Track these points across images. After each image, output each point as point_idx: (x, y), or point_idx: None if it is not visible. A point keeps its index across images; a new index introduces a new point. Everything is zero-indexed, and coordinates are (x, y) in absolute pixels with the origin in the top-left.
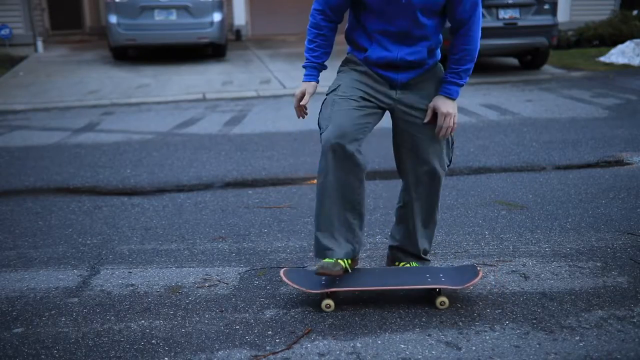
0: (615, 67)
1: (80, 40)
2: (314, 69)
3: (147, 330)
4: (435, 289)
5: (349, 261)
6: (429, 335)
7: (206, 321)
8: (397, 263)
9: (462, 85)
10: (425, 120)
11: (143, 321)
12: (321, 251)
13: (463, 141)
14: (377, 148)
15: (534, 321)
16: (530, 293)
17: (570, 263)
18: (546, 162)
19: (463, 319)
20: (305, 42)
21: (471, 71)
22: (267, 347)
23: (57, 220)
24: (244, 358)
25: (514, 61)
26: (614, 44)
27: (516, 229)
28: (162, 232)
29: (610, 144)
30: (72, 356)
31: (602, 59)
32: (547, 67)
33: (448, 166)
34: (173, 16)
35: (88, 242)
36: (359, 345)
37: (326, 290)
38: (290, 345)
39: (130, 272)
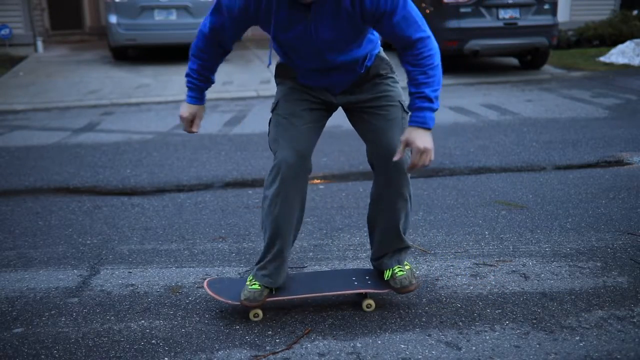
0: (615, 67)
1: (80, 40)
2: (200, 91)
3: (147, 330)
4: (362, 292)
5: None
6: (429, 335)
7: (206, 321)
8: (385, 271)
9: (436, 109)
10: (396, 158)
11: (143, 321)
12: (261, 277)
13: (463, 141)
14: None
15: (534, 321)
16: (530, 293)
17: (570, 263)
18: (546, 162)
19: (463, 319)
20: (189, 62)
21: (439, 81)
22: (267, 347)
23: (57, 220)
24: (244, 358)
25: (514, 61)
26: (614, 44)
27: (516, 229)
28: (162, 232)
29: (610, 144)
30: (72, 356)
31: (602, 59)
32: (547, 67)
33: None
34: (173, 16)
35: (88, 242)
36: (359, 345)
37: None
38: (290, 345)
39: (130, 272)
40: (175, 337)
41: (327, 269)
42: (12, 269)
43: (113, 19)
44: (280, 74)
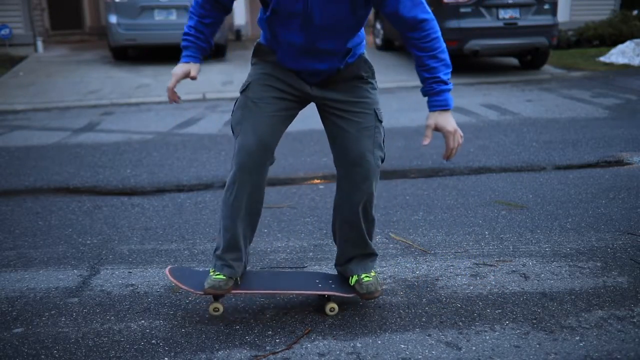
0: (615, 67)
1: (80, 40)
2: (197, 50)
3: (147, 330)
4: (324, 295)
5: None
6: (429, 335)
7: (206, 321)
8: (350, 277)
9: (450, 89)
10: (425, 143)
11: (143, 321)
12: (220, 266)
13: (463, 141)
14: None
15: (534, 321)
16: (530, 293)
17: (570, 263)
18: (546, 162)
19: (463, 319)
20: (189, 19)
21: (449, 64)
22: (267, 347)
23: (57, 220)
24: (244, 358)
25: (514, 61)
26: (614, 44)
27: (516, 229)
28: (162, 232)
29: (610, 144)
30: (72, 356)
31: (602, 59)
32: (547, 67)
33: (382, 161)
34: (173, 16)
35: (88, 242)
36: (359, 345)
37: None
38: (290, 345)
39: (130, 272)
40: (175, 337)
41: (327, 269)
42: (12, 269)
43: (113, 19)
44: (258, 54)
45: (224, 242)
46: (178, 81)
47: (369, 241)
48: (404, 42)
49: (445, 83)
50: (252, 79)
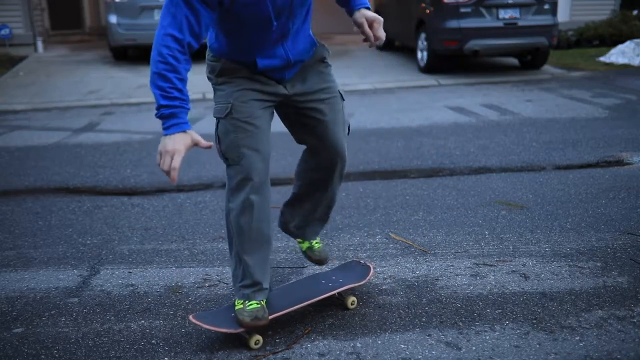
0: (615, 67)
1: (80, 40)
2: (186, 113)
3: (147, 330)
4: (336, 294)
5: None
6: (429, 335)
7: None
8: (304, 242)
9: None
10: (369, 41)
11: (143, 321)
12: (251, 294)
13: (463, 141)
14: (377, 148)
15: (534, 321)
16: (530, 293)
17: (570, 263)
18: (546, 162)
19: (463, 319)
20: (157, 79)
21: None
22: (267, 347)
23: (57, 220)
24: (244, 358)
25: (514, 61)
26: (614, 44)
27: (516, 229)
28: (162, 232)
29: (610, 144)
30: (72, 356)
31: (602, 59)
32: (547, 67)
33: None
34: None
35: (88, 242)
36: (359, 345)
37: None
38: (290, 345)
39: (130, 272)
40: (175, 337)
41: (327, 269)
42: (12, 269)
43: (113, 19)
44: (226, 74)
45: (250, 273)
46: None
47: (331, 209)
48: None
49: None
50: (231, 100)
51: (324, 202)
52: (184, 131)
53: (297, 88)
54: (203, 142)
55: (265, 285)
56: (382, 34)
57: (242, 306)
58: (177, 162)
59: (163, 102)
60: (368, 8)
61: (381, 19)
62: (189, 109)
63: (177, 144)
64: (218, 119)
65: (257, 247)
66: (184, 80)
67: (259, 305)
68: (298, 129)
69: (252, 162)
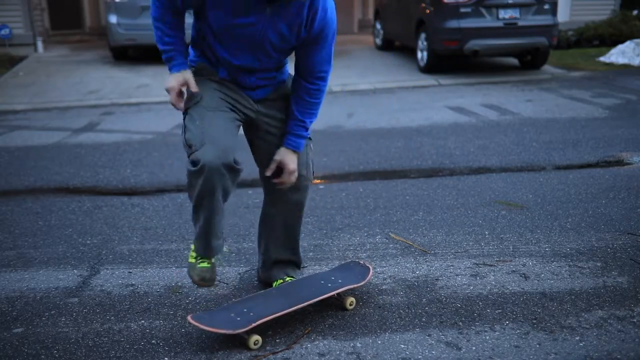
0: (615, 67)
1: (80, 40)
2: (183, 55)
3: (147, 330)
4: (335, 294)
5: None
6: (429, 335)
7: None
8: (273, 283)
9: (307, 136)
10: (268, 174)
11: (143, 321)
12: (209, 249)
13: (463, 141)
14: (377, 148)
15: (534, 321)
16: (530, 293)
17: (570, 263)
18: (546, 162)
19: (463, 319)
20: (154, 32)
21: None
22: (267, 347)
23: (57, 220)
24: (244, 358)
25: (514, 61)
26: (614, 44)
27: (516, 229)
28: (162, 232)
29: (610, 144)
30: (72, 356)
31: (602, 59)
32: (547, 67)
33: (313, 175)
34: None
35: (88, 242)
36: (359, 345)
37: (246, 328)
38: (290, 345)
39: (130, 272)
40: (175, 337)
41: (327, 269)
42: (12, 269)
43: (113, 19)
44: (202, 74)
45: (203, 234)
46: (179, 95)
47: (299, 248)
48: (293, 84)
49: (307, 130)
50: (202, 92)
51: (290, 233)
52: (179, 71)
53: (264, 109)
54: (193, 86)
55: (215, 244)
56: (286, 180)
57: (194, 261)
58: (172, 98)
59: (160, 47)
60: (296, 150)
61: (294, 170)
62: (182, 51)
63: (172, 81)
64: (187, 108)
65: (212, 225)
66: (174, 29)
67: (209, 266)
68: (263, 152)
69: (213, 153)
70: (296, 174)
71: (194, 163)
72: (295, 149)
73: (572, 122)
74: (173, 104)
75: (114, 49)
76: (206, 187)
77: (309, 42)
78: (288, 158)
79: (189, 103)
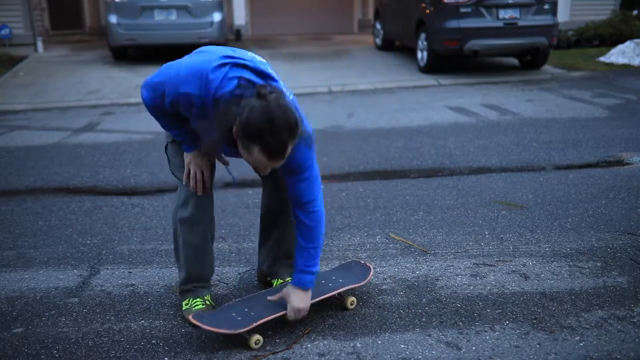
0: (615, 67)
1: (80, 40)
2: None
3: (147, 330)
4: (336, 294)
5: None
6: (429, 335)
7: None
8: (273, 282)
9: (316, 273)
10: (270, 298)
11: (143, 321)
12: (190, 288)
13: (463, 141)
14: (377, 148)
15: (534, 321)
16: (530, 293)
17: (570, 263)
18: (546, 162)
19: (463, 319)
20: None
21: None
22: (267, 347)
23: (57, 220)
24: (244, 358)
25: (514, 61)
26: (614, 44)
27: (516, 229)
28: (162, 232)
29: (610, 144)
30: (72, 356)
31: (602, 59)
32: (547, 67)
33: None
34: (173, 16)
35: (88, 242)
36: (359, 345)
37: (247, 328)
38: (290, 345)
39: (130, 272)
40: (175, 337)
41: (327, 269)
42: (12, 269)
43: (113, 19)
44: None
45: (188, 274)
46: (209, 169)
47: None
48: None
49: (313, 274)
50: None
51: (290, 236)
52: (190, 152)
53: None
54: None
55: (205, 281)
56: (291, 317)
57: (188, 307)
58: (201, 174)
59: (169, 133)
60: (306, 289)
61: (299, 310)
62: (189, 137)
63: (195, 158)
64: (167, 143)
65: (194, 255)
66: (175, 123)
67: (204, 307)
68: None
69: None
70: (302, 313)
71: (185, 193)
72: (302, 287)
73: (572, 122)
74: (207, 181)
75: (114, 49)
76: (199, 212)
77: (291, 173)
78: (293, 295)
79: (168, 138)
